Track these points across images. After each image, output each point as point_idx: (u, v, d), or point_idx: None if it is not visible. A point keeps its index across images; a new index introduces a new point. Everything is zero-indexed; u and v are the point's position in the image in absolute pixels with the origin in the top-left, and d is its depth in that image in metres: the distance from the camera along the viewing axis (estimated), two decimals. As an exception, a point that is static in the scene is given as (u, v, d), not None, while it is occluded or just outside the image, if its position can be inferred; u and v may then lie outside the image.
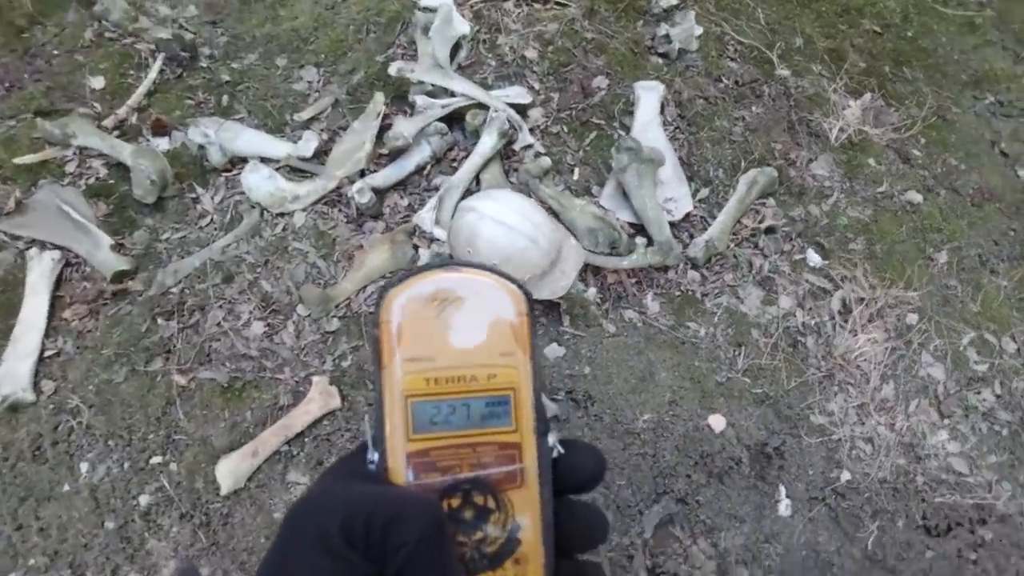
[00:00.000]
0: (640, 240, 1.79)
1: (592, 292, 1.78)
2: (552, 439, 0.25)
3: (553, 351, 1.76)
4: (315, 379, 1.64)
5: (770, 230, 1.93)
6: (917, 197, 2.03)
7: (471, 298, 0.24)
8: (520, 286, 0.25)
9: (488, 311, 0.25)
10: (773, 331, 1.83)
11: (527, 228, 1.63)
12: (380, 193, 1.90)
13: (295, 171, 1.90)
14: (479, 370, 0.24)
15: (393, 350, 0.24)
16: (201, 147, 1.83)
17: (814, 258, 1.92)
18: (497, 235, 1.61)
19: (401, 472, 0.24)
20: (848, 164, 2.06)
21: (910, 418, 1.76)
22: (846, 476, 1.69)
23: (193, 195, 1.84)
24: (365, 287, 1.79)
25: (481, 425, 0.24)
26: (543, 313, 1.80)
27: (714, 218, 1.93)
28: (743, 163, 2.00)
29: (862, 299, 1.84)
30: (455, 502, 0.24)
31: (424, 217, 1.82)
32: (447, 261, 0.27)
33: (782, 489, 1.67)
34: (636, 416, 1.71)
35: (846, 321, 1.84)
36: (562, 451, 0.26)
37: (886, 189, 2.03)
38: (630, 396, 1.74)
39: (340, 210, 1.90)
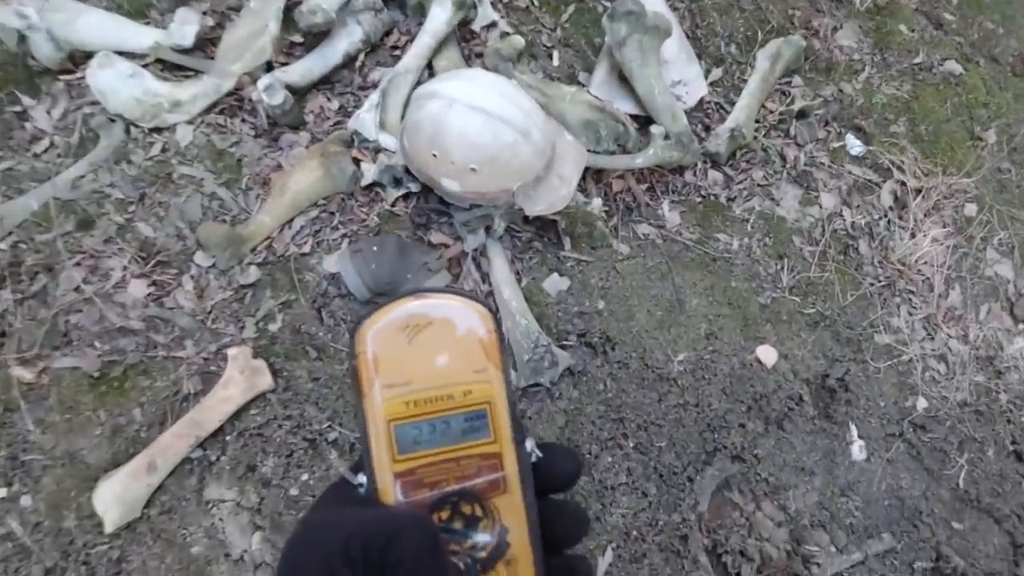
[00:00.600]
0: (657, 130, 1.36)
1: (597, 204, 1.36)
2: (530, 445, 0.26)
3: (554, 284, 1.34)
4: (231, 352, 1.15)
5: (802, 114, 1.55)
6: (957, 68, 1.70)
7: (441, 321, 0.25)
8: (486, 305, 0.26)
9: (458, 332, 0.25)
10: (818, 237, 1.47)
11: (515, 115, 1.17)
12: (299, 94, 1.39)
13: (171, 68, 1.35)
14: (455, 388, 0.25)
15: (372, 379, 0.25)
16: (22, 37, 1.25)
17: (855, 144, 1.56)
18: (474, 127, 1.15)
19: (390, 492, 0.25)
20: (877, 32, 1.70)
21: (983, 327, 1.46)
22: (922, 404, 1.38)
23: (18, 108, 1.27)
24: (292, 220, 1.30)
25: (462, 439, 0.25)
26: (535, 236, 1.37)
27: (732, 104, 1.53)
28: (759, 35, 1.60)
29: (917, 190, 1.51)
30: (444, 514, 0.25)
31: (364, 120, 1.32)
32: (414, 289, 0.27)
33: (853, 428, 1.34)
34: (669, 357, 1.33)
35: (900, 218, 1.50)
36: (540, 455, 0.27)
37: (922, 60, 1.69)
38: (658, 333, 1.34)
39: (244, 119, 1.37)
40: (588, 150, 1.35)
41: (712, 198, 1.49)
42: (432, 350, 0.25)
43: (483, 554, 0.25)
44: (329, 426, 1.17)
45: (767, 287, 1.42)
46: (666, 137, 1.37)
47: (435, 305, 0.26)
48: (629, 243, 1.42)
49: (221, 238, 1.21)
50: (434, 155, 1.18)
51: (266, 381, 1.16)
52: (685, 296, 1.39)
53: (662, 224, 1.44)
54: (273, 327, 1.22)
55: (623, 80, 1.46)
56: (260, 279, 1.24)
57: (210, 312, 1.20)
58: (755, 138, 1.52)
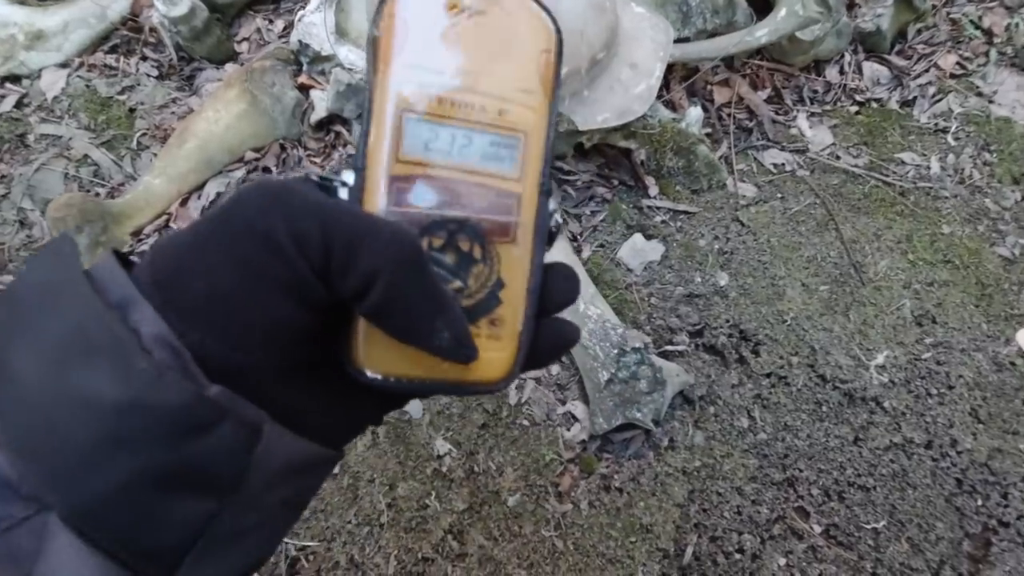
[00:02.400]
0: (783, -20, 0.83)
1: (694, 116, 0.82)
2: (553, 204, 0.21)
3: (638, 251, 0.79)
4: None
5: (1001, -36, 0.98)
6: None
7: (498, 15, 0.20)
8: (556, 23, 0.20)
9: (513, 36, 0.20)
10: (1074, 143, 0.87)
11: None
12: (225, 12, 0.93)
13: (35, -10, 0.92)
14: (491, 101, 0.19)
15: (395, 54, 0.19)
16: None
17: (1098, 1, 0.97)
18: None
19: (380, 197, 0.19)
20: None
21: None
22: None
23: None
24: (202, 185, 0.81)
25: (482, 163, 0.19)
26: (598, 177, 0.83)
27: (882, -33, 0.97)
28: None
29: None
30: (437, 242, 0.20)
31: (311, 24, 0.84)
32: None
33: None
34: (859, 362, 0.74)
35: None
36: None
37: None
38: (829, 321, 0.77)
39: (145, 57, 0.92)
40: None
41: (876, 104, 0.92)
42: (477, 44, 0.20)
43: (468, 303, 0.19)
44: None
45: (1007, 229, 0.82)
46: (800, -4, 0.83)
47: None
48: (754, 180, 0.86)
49: (78, 215, 0.73)
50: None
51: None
52: (865, 255, 0.81)
53: (803, 147, 0.88)
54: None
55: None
56: (143, 279, 0.74)
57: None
58: (933, 7, 0.95)
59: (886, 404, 0.72)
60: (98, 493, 0.14)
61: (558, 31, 0.21)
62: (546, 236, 0.21)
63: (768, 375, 0.73)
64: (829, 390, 0.73)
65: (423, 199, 0.19)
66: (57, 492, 0.14)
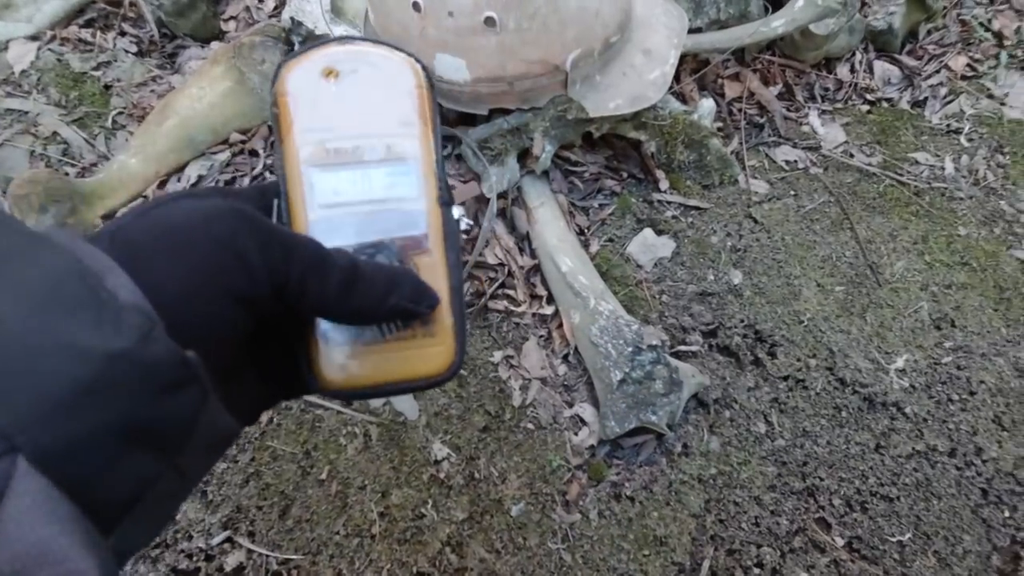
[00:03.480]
0: (800, -31, 0.80)
1: (707, 108, 0.78)
2: (458, 212, 0.24)
3: (648, 246, 0.75)
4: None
5: (1009, -33, 0.97)
6: None
7: (367, 70, 0.23)
8: (417, 59, 0.24)
9: (385, 83, 0.24)
10: (1086, 146, 0.86)
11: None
12: (208, -13, 0.88)
13: (6, -43, 0.86)
14: (378, 140, 0.23)
15: (291, 122, 0.22)
16: None
17: (1105, 8, 0.96)
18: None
19: None
20: None
21: None
22: None
23: None
24: (183, 167, 0.75)
25: (384, 192, 0.23)
26: (607, 169, 0.79)
27: (890, -33, 0.96)
28: None
29: None
30: None
31: (305, 2, 0.79)
32: (342, 36, 0.26)
33: None
34: (879, 365, 0.71)
35: None
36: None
37: None
38: (846, 322, 0.73)
39: (124, 32, 0.87)
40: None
41: (887, 103, 0.90)
42: (356, 98, 0.23)
43: None
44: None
45: (1023, 232, 0.80)
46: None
47: (362, 52, 0.23)
48: (766, 176, 0.83)
49: (43, 193, 0.67)
50: (417, 5, 0.63)
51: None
52: (880, 256, 0.78)
53: (816, 144, 0.86)
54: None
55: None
56: (115, 265, 0.68)
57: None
58: (944, 8, 0.94)
59: (907, 410, 0.69)
60: (69, 437, 0.14)
61: (424, 68, 0.24)
62: (457, 240, 0.24)
63: (785, 378, 0.70)
64: (849, 394, 0.69)
65: (343, 235, 0.22)
66: (29, 432, 0.13)
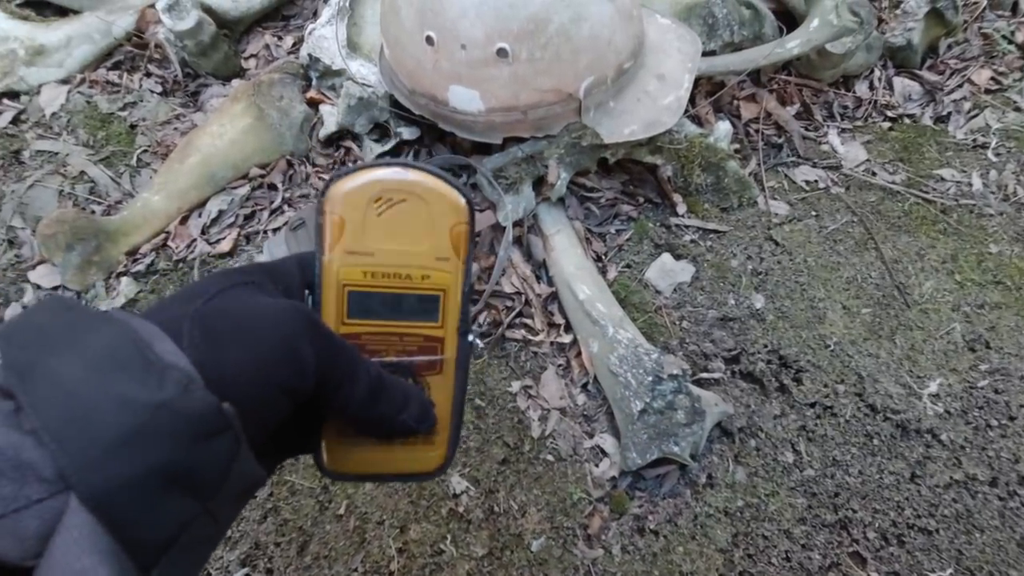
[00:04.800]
0: (828, 4, 0.79)
1: (723, 131, 0.78)
2: (472, 337, 0.27)
3: (667, 272, 0.74)
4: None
5: (1031, -21, 0.95)
6: None
7: (415, 201, 0.25)
8: (466, 195, 0.25)
9: (430, 215, 0.25)
10: (1122, 159, 0.83)
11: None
12: (232, 28, 0.90)
13: (37, 3, 0.90)
14: (415, 270, 0.25)
15: (335, 242, 0.24)
16: None
17: None
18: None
19: None
20: None
21: None
22: None
23: None
24: (204, 202, 0.77)
25: (411, 318, 0.26)
26: (623, 195, 0.79)
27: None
28: None
29: None
30: None
31: (322, 37, 0.81)
32: (397, 160, 0.26)
33: None
34: (911, 391, 0.68)
35: None
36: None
37: None
38: (874, 346, 0.71)
39: (149, 73, 0.89)
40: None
41: (909, 119, 0.88)
42: (400, 228, 0.25)
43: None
44: None
45: (1059, 249, 0.77)
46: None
47: (413, 183, 0.24)
48: (786, 197, 0.81)
49: (70, 232, 0.68)
50: (430, 39, 0.64)
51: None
52: (908, 276, 0.76)
53: (836, 163, 0.84)
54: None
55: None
56: (138, 299, 0.69)
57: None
58: (964, 22, 0.92)
59: (943, 437, 0.66)
60: (116, 479, 0.16)
61: (468, 202, 0.25)
62: (467, 364, 0.27)
63: (812, 405, 0.67)
64: (880, 421, 0.67)
65: (367, 350, 0.25)
66: (81, 474, 0.15)
